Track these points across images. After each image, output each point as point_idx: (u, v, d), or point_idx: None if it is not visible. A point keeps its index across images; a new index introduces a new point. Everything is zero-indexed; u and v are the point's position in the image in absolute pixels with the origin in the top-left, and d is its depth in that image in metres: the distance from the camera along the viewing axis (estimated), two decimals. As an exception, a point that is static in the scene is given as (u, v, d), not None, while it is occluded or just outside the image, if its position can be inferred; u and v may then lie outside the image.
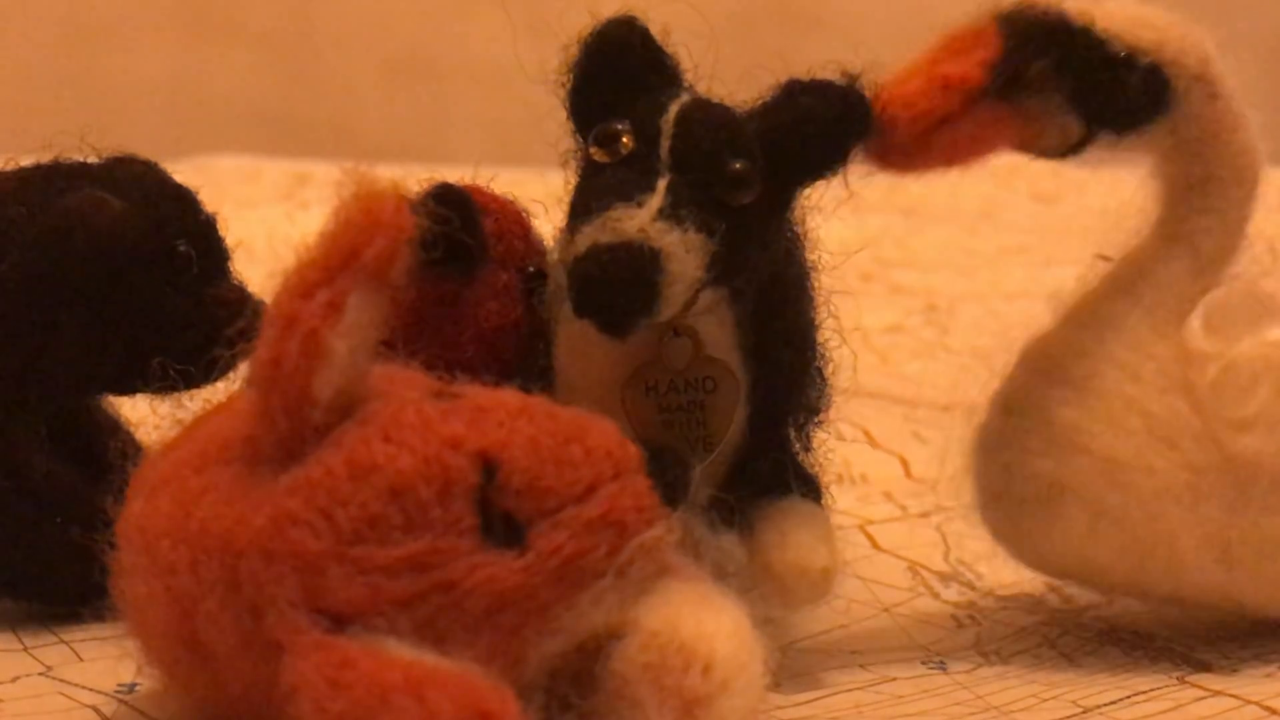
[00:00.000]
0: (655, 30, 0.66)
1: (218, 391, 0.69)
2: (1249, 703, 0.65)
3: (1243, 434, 0.68)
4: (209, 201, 0.73)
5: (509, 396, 0.57)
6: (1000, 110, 0.65)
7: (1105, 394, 0.68)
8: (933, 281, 1.48)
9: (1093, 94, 0.65)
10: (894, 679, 0.68)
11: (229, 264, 0.73)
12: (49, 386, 0.71)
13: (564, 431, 0.56)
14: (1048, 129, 0.66)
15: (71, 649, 0.69)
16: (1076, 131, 0.66)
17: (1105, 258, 0.71)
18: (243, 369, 0.60)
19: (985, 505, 0.71)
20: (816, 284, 0.70)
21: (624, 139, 0.64)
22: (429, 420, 0.55)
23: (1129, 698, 0.66)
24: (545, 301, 0.69)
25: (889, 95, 0.64)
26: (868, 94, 0.64)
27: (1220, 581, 0.68)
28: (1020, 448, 0.69)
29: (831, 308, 0.71)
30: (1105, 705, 0.65)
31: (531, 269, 0.71)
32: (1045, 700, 0.66)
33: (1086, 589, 0.74)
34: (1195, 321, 0.68)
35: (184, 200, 0.73)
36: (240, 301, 0.71)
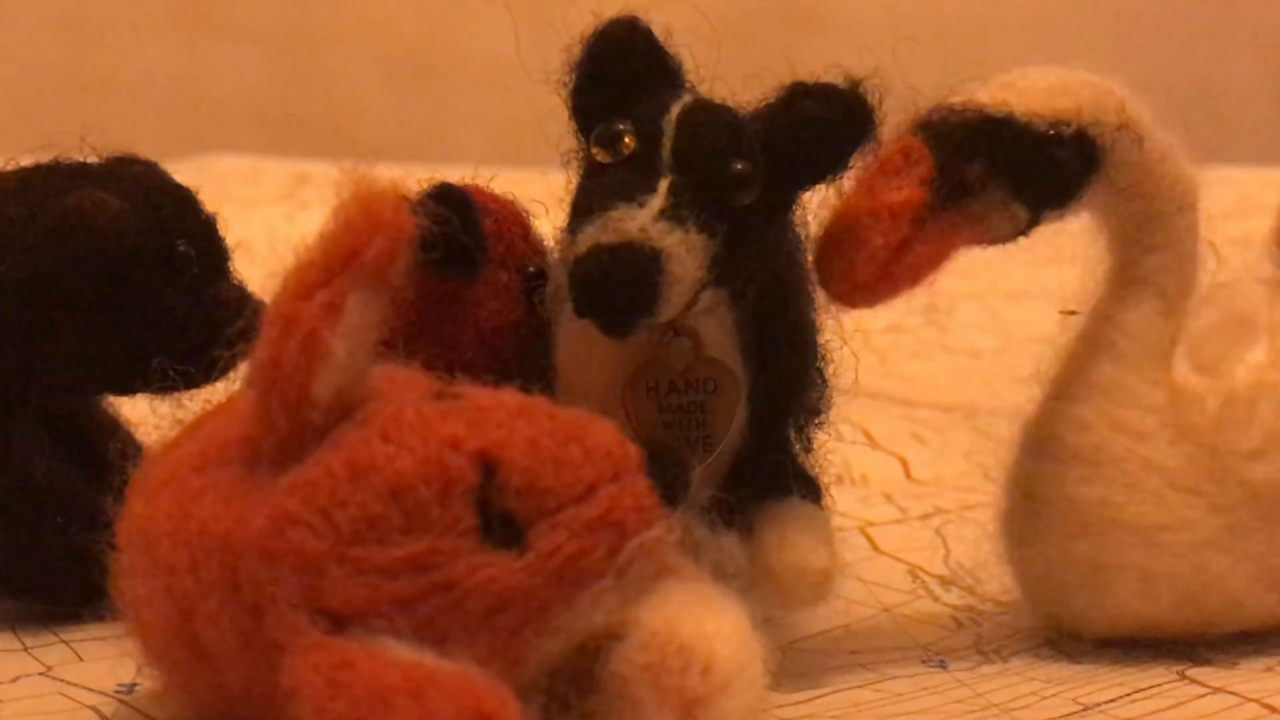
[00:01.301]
0: (658, 31, 0.66)
1: (218, 391, 0.69)
2: (1249, 700, 0.65)
3: (1257, 463, 0.68)
4: (209, 201, 0.73)
5: (509, 397, 0.57)
6: (948, 219, 0.64)
7: (1119, 461, 0.68)
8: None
9: (1032, 179, 0.65)
10: (894, 677, 0.68)
11: (229, 264, 0.73)
12: (49, 386, 0.71)
13: (564, 432, 0.56)
14: (996, 223, 0.66)
15: (71, 649, 0.69)
16: (1024, 217, 0.66)
17: (1070, 312, 0.71)
18: (243, 369, 0.60)
19: (1029, 592, 0.71)
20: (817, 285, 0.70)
21: (626, 139, 0.64)
22: (429, 420, 0.55)
23: (1129, 695, 0.66)
24: (545, 301, 0.69)
25: (838, 237, 0.64)
26: (871, 97, 0.64)
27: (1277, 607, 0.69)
28: (1052, 535, 0.69)
29: (832, 308, 0.71)
30: (1105, 703, 0.65)
31: (532, 269, 0.71)
32: (1046, 698, 0.66)
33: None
34: (1182, 362, 0.69)
35: (184, 200, 0.73)
36: (240, 301, 0.71)
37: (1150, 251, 0.68)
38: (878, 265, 0.64)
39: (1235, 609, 0.69)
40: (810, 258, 0.66)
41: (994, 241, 0.67)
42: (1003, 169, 0.65)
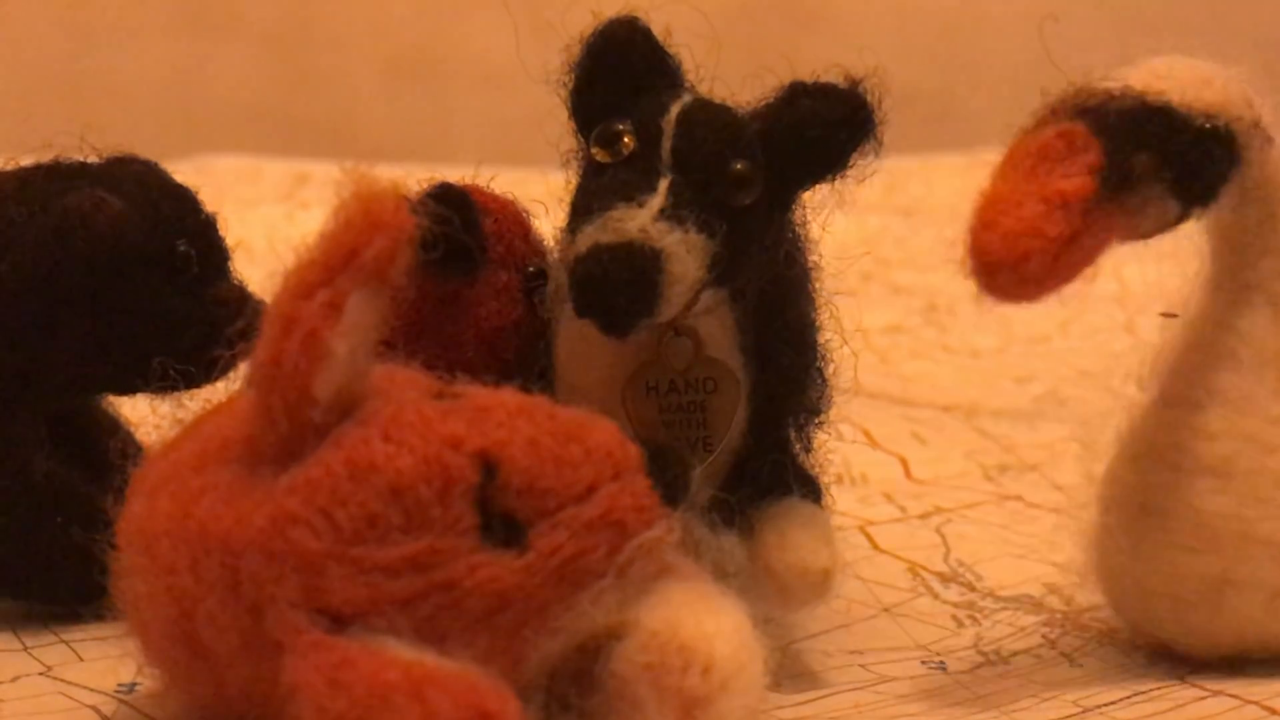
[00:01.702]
0: (657, 30, 0.66)
1: (218, 391, 0.69)
2: (1249, 702, 0.65)
3: None
4: (209, 201, 0.73)
5: (509, 396, 0.57)
6: (1109, 211, 0.61)
7: (1251, 474, 0.65)
8: (933, 281, 1.48)
9: (1191, 174, 0.62)
10: (894, 679, 0.68)
11: (229, 264, 0.73)
12: (49, 386, 0.71)
13: (564, 431, 0.56)
14: (1149, 216, 0.63)
15: (71, 649, 0.69)
16: (1174, 213, 0.63)
17: (1171, 315, 0.68)
18: (243, 369, 0.60)
19: (1132, 608, 0.69)
20: (817, 285, 0.70)
21: (625, 139, 0.64)
22: (429, 420, 0.55)
23: (1129, 697, 0.66)
24: (545, 301, 0.69)
25: (1009, 229, 0.60)
26: (871, 97, 0.64)
27: None
28: (1172, 549, 0.66)
29: (832, 308, 0.71)
30: (1105, 705, 0.65)
31: (532, 269, 0.71)
32: (1045, 700, 0.66)
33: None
34: None
35: (184, 200, 0.72)
36: (240, 301, 0.71)
37: (1265, 256, 0.66)
38: (1050, 257, 0.60)
39: None
40: (964, 247, 0.61)
41: (1140, 238, 0.64)
42: (1168, 161, 0.62)
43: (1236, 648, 0.67)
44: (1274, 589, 0.66)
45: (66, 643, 0.70)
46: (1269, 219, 0.66)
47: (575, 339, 0.67)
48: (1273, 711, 0.65)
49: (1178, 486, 0.66)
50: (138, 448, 0.71)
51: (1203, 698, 0.66)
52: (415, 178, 0.65)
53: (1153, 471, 0.67)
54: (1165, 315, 0.69)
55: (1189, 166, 0.62)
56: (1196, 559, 0.66)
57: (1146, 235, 0.64)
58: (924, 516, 0.88)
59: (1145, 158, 0.61)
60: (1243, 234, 0.66)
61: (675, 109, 0.64)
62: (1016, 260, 0.60)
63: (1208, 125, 0.63)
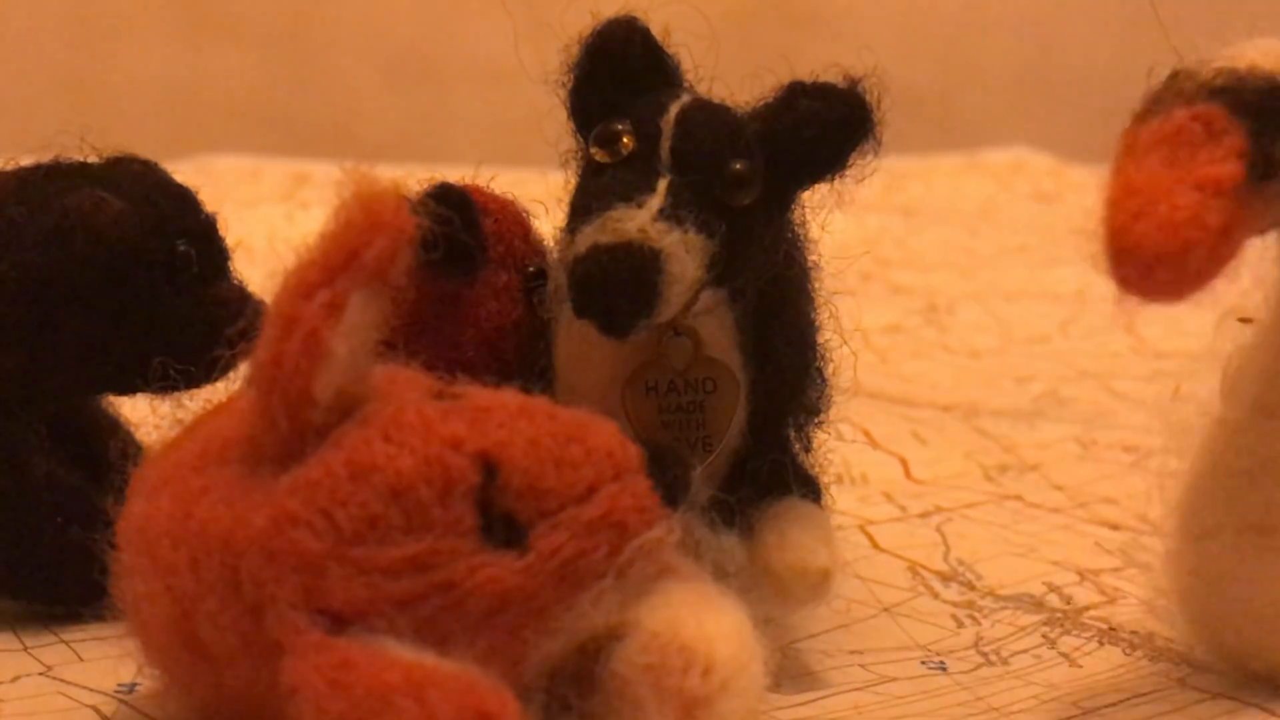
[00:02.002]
0: (656, 30, 0.66)
1: (218, 391, 0.69)
2: (1249, 704, 0.65)
3: None
4: (209, 201, 0.73)
5: (509, 397, 0.57)
6: (1251, 200, 0.56)
7: None
8: (933, 281, 1.48)
9: None
10: (894, 679, 0.68)
11: (229, 264, 0.73)
12: (49, 386, 0.71)
13: (564, 432, 0.56)
14: (1275, 210, 0.58)
15: (71, 649, 0.69)
16: None
17: (1247, 320, 0.63)
18: (243, 369, 0.60)
19: (1248, 639, 0.64)
20: (817, 284, 0.70)
21: (624, 139, 0.64)
22: (429, 421, 0.55)
23: (1129, 699, 0.66)
24: (545, 301, 0.69)
25: (1167, 219, 0.54)
26: (870, 97, 0.64)
27: None
28: (1262, 558, 0.62)
29: (831, 308, 0.71)
30: (1105, 707, 0.65)
31: (531, 269, 0.71)
32: (1045, 701, 0.66)
33: None
34: None
35: (184, 200, 0.73)
36: (240, 301, 0.71)
37: None
38: (1210, 249, 0.54)
39: None
40: (1103, 247, 0.55)
41: (1263, 231, 0.59)
42: None
43: None
44: None
45: (66, 643, 0.70)
46: None
47: (575, 339, 0.67)
48: (1271, 713, 0.65)
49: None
50: (138, 448, 0.71)
51: (1201, 700, 0.66)
52: (415, 178, 0.65)
53: (1247, 490, 0.62)
54: (1242, 320, 0.64)
55: None
56: None
57: (1267, 230, 0.59)
58: (924, 516, 0.88)
59: None
60: None
61: (674, 109, 0.64)
62: (1178, 252, 0.54)
63: None
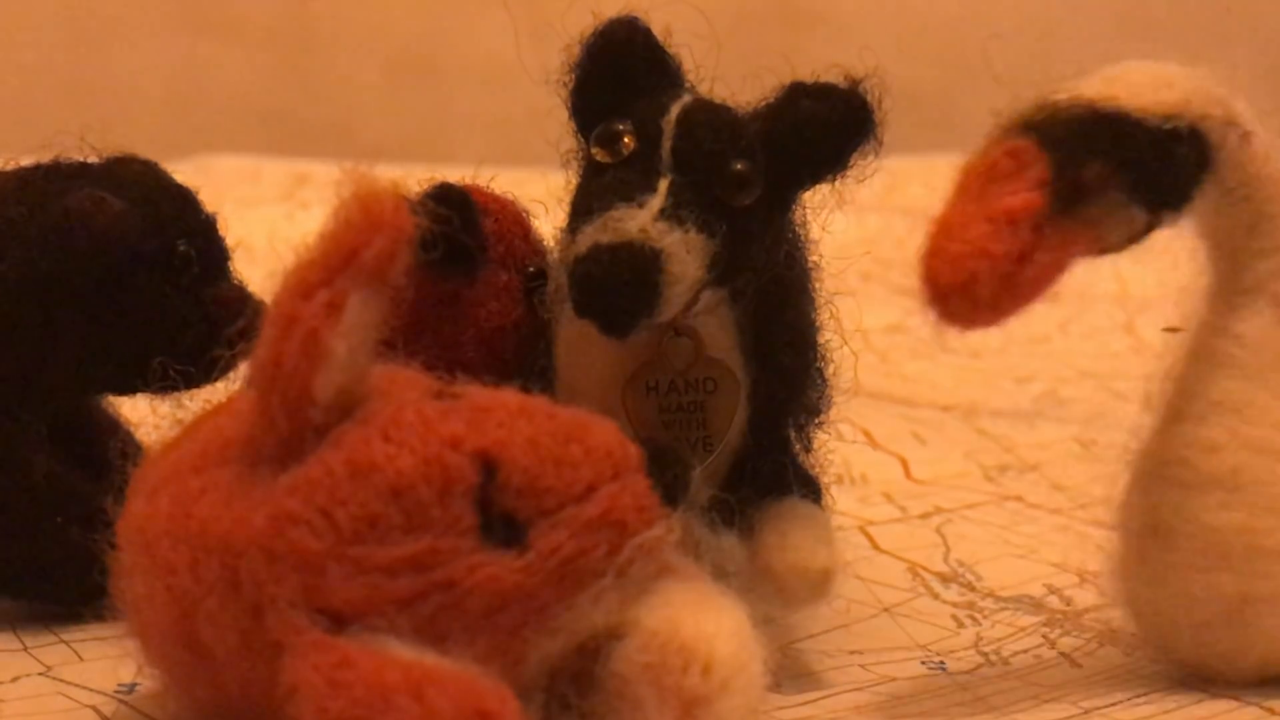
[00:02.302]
0: (657, 31, 0.66)
1: (218, 391, 0.69)
2: (1249, 704, 0.65)
3: None
4: (209, 201, 0.73)
5: (509, 396, 0.57)
6: (1066, 225, 0.59)
7: (1261, 484, 0.63)
8: (933, 282, 1.47)
9: (1151, 179, 0.60)
10: (894, 679, 0.68)
11: (229, 264, 0.73)
12: (49, 386, 0.71)
13: (564, 431, 0.56)
14: (1111, 229, 0.60)
15: (71, 649, 0.69)
16: (1141, 221, 0.61)
17: (1174, 329, 0.66)
18: (243, 369, 0.60)
19: (1161, 636, 0.66)
20: (817, 284, 0.70)
21: (625, 139, 0.64)
22: (429, 420, 0.55)
23: (1129, 699, 0.66)
24: (545, 301, 0.69)
25: (953, 252, 0.58)
26: (871, 97, 0.64)
27: None
28: (1189, 570, 0.64)
29: (832, 308, 0.71)
30: (1105, 707, 0.65)
31: (532, 269, 0.71)
32: (1045, 702, 0.66)
33: None
34: None
35: (184, 200, 0.73)
36: (240, 301, 0.71)
37: (1260, 257, 0.64)
38: (1000, 279, 0.58)
39: None
40: (918, 277, 0.59)
41: (1108, 250, 0.61)
42: (1122, 168, 0.59)
43: (1269, 670, 0.65)
44: None
45: (66, 643, 0.70)
46: (1263, 219, 0.64)
47: (575, 339, 0.67)
48: (1271, 711, 0.65)
49: (1185, 504, 0.64)
50: (138, 448, 0.71)
51: (1202, 700, 0.66)
52: (415, 178, 0.65)
53: (1159, 491, 0.65)
54: (1168, 330, 0.67)
55: (1147, 171, 0.60)
56: (1211, 578, 0.63)
57: (1117, 247, 0.62)
58: (924, 516, 0.88)
59: (1097, 166, 0.59)
60: (1235, 237, 0.65)
61: (675, 109, 0.64)
62: (965, 283, 0.58)
63: (1166, 127, 0.61)
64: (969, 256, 0.57)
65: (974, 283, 0.58)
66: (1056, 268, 0.59)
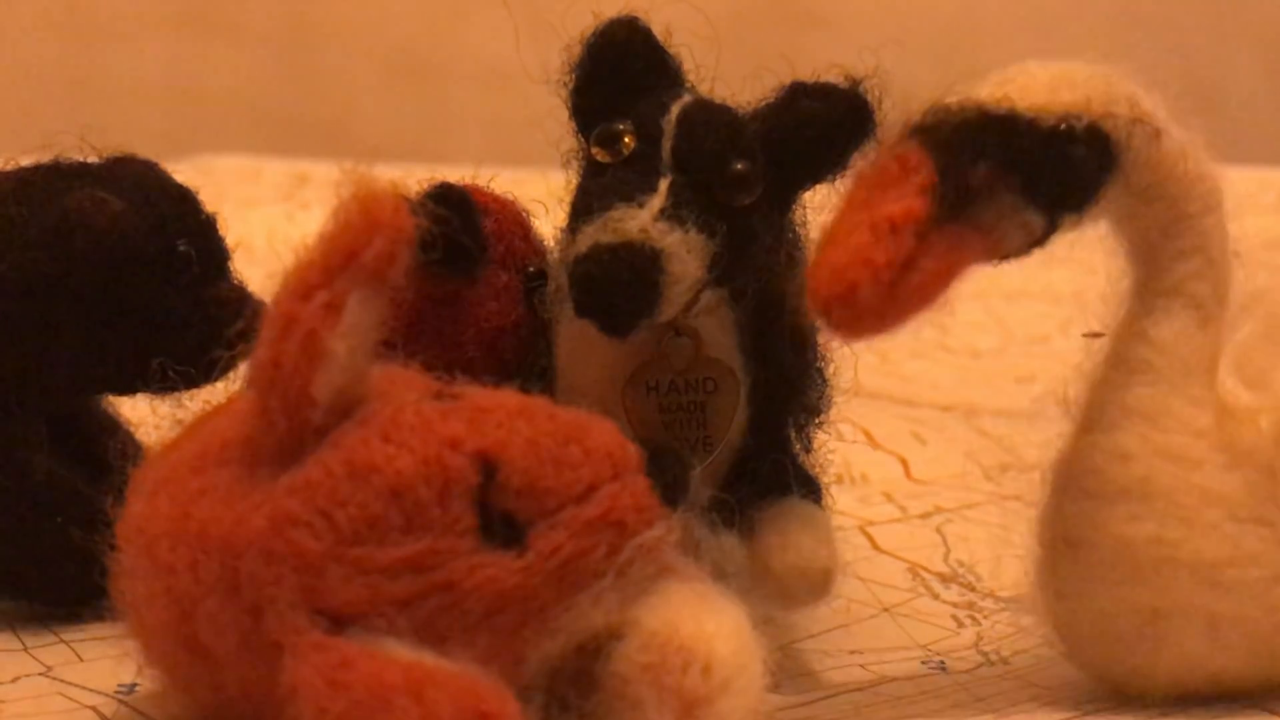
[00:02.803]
0: (657, 30, 0.66)
1: (218, 392, 0.69)
2: (1249, 705, 0.65)
3: None
4: (209, 201, 0.73)
5: (509, 397, 0.57)
6: (955, 231, 0.57)
7: (1171, 493, 0.61)
8: (933, 281, 1.47)
9: (1045, 180, 0.58)
10: (894, 679, 0.68)
11: (229, 264, 0.73)
12: (49, 386, 0.71)
13: (564, 432, 0.56)
14: (1008, 233, 0.59)
15: (71, 649, 0.69)
16: (1039, 225, 0.59)
17: (1094, 334, 0.65)
18: (243, 369, 0.60)
19: (1078, 650, 0.64)
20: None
21: (625, 139, 0.64)
22: (429, 421, 0.55)
23: (1128, 700, 0.66)
24: (545, 301, 0.69)
25: (834, 262, 0.56)
26: (871, 97, 0.64)
27: None
28: (1100, 582, 0.62)
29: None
30: (1105, 708, 0.65)
31: (532, 269, 0.71)
32: (1045, 702, 0.66)
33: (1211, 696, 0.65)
34: (1228, 378, 0.63)
35: (184, 200, 0.73)
36: (240, 301, 0.71)
37: (1178, 259, 0.62)
38: (882, 287, 0.56)
39: None
40: (802, 286, 0.58)
41: (1008, 255, 0.60)
42: (1011, 169, 0.58)
43: (1184, 685, 0.63)
44: (1210, 617, 0.61)
45: (66, 643, 0.70)
46: (1178, 220, 0.62)
47: (575, 339, 0.67)
48: (1272, 713, 0.64)
49: (1097, 514, 0.62)
50: (138, 448, 0.71)
51: (1206, 702, 0.66)
52: (415, 178, 0.65)
53: (1072, 501, 0.63)
54: (1089, 335, 0.65)
55: (1038, 172, 0.58)
56: (1125, 591, 0.62)
57: (1017, 252, 0.60)
58: (924, 516, 0.88)
59: (984, 169, 0.58)
60: (1151, 238, 0.63)
61: (675, 109, 0.64)
62: (844, 293, 0.56)
63: (1060, 127, 0.59)
64: (849, 266, 0.56)
65: (854, 292, 0.56)
66: (946, 274, 0.58)
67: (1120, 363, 0.63)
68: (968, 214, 0.58)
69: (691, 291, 0.63)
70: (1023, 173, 0.58)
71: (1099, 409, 0.63)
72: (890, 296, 0.56)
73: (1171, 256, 0.62)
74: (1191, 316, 0.62)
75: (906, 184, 0.57)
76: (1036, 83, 0.60)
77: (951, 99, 0.59)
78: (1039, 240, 0.60)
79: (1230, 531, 0.61)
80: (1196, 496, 0.61)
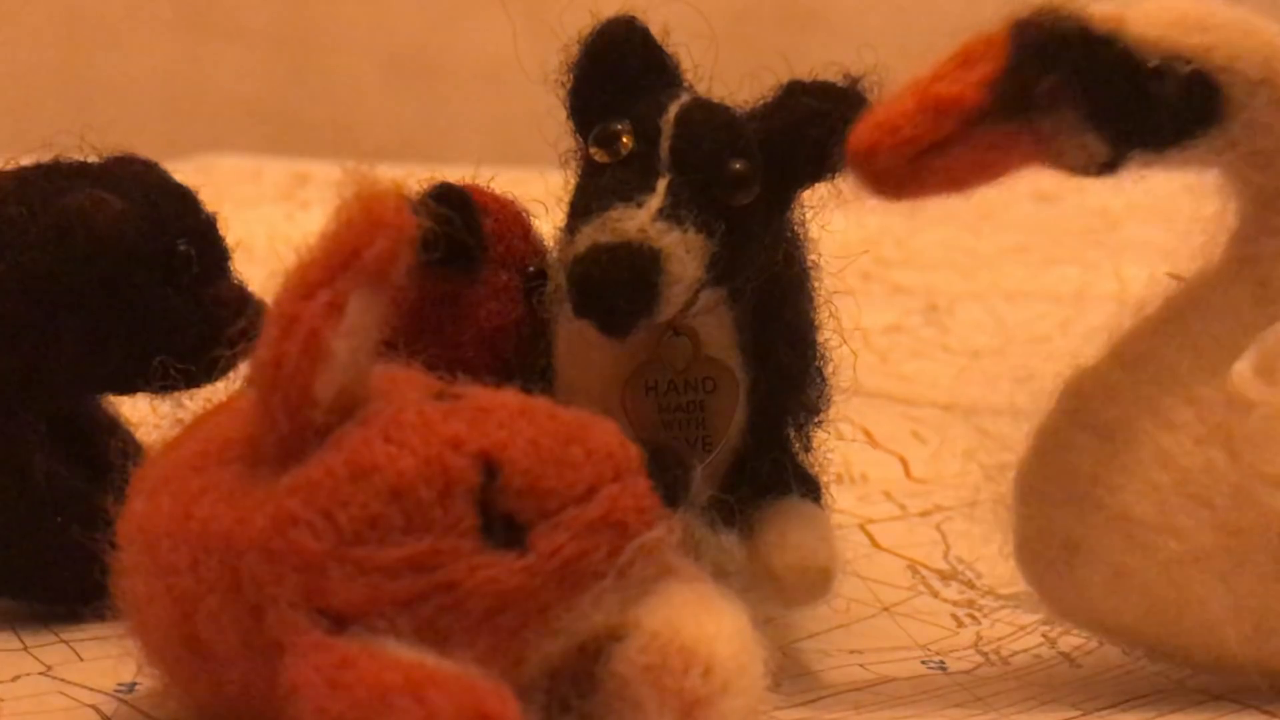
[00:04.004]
0: (655, 30, 0.66)
1: (218, 391, 0.69)
2: (1248, 706, 0.65)
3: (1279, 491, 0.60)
4: (209, 201, 0.73)
5: (510, 397, 0.57)
6: (1007, 131, 0.57)
7: (1132, 443, 0.61)
8: (933, 281, 1.48)
9: (1113, 112, 0.57)
10: (894, 679, 0.68)
11: (229, 264, 0.73)
12: (49, 386, 0.71)
13: (565, 432, 0.56)
14: (1067, 149, 0.58)
15: (71, 649, 0.69)
16: (1101, 150, 0.58)
17: (1176, 276, 0.63)
18: (243, 369, 0.60)
19: (1015, 553, 0.65)
20: (816, 284, 0.70)
21: (624, 139, 0.64)
22: (430, 421, 0.55)
23: (1128, 700, 0.66)
24: (545, 301, 0.69)
25: (874, 118, 0.57)
26: (869, 95, 0.64)
27: (1258, 655, 0.62)
28: (1040, 496, 0.63)
29: (831, 308, 0.71)
30: (1105, 709, 0.65)
31: (531, 269, 0.71)
32: (1045, 701, 0.66)
33: (1128, 650, 0.67)
34: (1245, 363, 0.61)
35: (184, 200, 0.73)
36: (240, 301, 0.71)
37: (1266, 233, 0.61)
38: (903, 158, 0.56)
39: (1214, 644, 0.62)
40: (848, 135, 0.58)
41: (1069, 170, 0.59)
42: (1079, 90, 0.57)
43: (1091, 622, 0.64)
44: (1115, 567, 0.62)
45: (66, 643, 0.70)
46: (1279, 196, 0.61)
47: (575, 339, 0.67)
48: (1271, 715, 0.65)
49: (1063, 435, 0.63)
50: (138, 448, 0.71)
51: (1202, 701, 0.66)
52: (415, 178, 0.65)
53: (1055, 417, 0.64)
54: (1171, 275, 0.64)
55: (1109, 101, 0.57)
56: (1051, 512, 0.63)
57: (1081, 170, 0.59)
58: (924, 515, 0.88)
59: (1050, 81, 0.57)
60: (1249, 206, 0.61)
61: (674, 109, 0.64)
62: (866, 152, 0.57)
63: (1152, 66, 0.58)
64: (879, 128, 0.57)
65: (874, 154, 0.56)
66: (981, 168, 0.58)
67: (1164, 306, 0.63)
68: (1025, 118, 0.57)
69: (690, 291, 0.63)
70: (1091, 97, 0.57)
71: (1123, 343, 0.63)
72: (910, 171, 0.57)
73: (1260, 228, 0.61)
74: (1252, 293, 0.62)
75: (973, 71, 0.57)
76: (1165, 15, 0.58)
77: (1073, 3, 0.58)
78: (1107, 166, 0.59)
79: (1170, 500, 0.61)
80: (1154, 454, 0.61)
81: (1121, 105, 0.58)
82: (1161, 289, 0.64)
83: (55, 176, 0.72)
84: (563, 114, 0.67)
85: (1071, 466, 0.62)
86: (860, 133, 0.57)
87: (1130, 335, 0.63)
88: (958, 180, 0.58)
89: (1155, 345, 0.62)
